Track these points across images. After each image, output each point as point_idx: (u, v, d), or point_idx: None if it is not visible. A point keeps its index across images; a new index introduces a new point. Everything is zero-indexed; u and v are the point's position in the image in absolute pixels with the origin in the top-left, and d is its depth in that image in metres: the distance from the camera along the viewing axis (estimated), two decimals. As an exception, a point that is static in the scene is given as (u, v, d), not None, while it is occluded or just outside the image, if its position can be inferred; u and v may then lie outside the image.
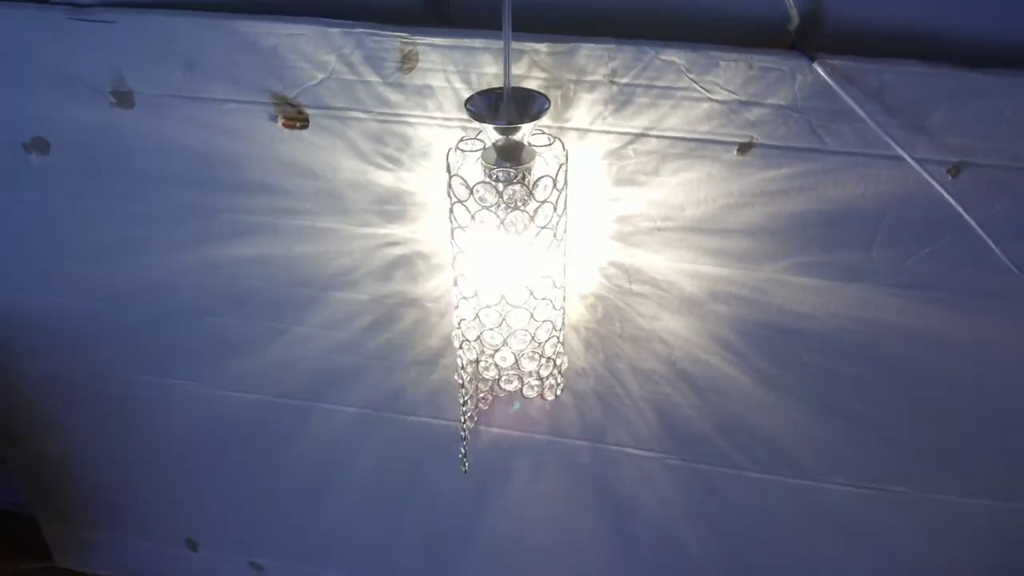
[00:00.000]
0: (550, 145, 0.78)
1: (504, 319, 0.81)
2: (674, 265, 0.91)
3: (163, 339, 1.14)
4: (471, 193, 0.74)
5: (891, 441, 1.01)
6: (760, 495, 1.11)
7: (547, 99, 0.74)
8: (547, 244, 0.78)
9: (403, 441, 1.18)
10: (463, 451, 0.97)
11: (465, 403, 0.92)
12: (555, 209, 0.76)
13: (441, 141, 0.87)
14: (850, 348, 0.93)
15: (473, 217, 0.75)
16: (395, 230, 0.96)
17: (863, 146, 0.80)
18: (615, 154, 0.85)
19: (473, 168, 0.77)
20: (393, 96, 0.85)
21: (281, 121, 0.89)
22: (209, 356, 1.15)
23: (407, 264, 0.98)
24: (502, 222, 0.74)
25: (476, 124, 0.83)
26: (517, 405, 0.95)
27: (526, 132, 0.75)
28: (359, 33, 0.82)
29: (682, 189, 0.86)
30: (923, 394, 0.96)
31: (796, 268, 0.89)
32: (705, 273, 0.91)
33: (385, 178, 0.92)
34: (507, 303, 0.80)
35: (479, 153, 0.77)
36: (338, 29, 0.82)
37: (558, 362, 0.88)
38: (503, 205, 0.74)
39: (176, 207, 0.99)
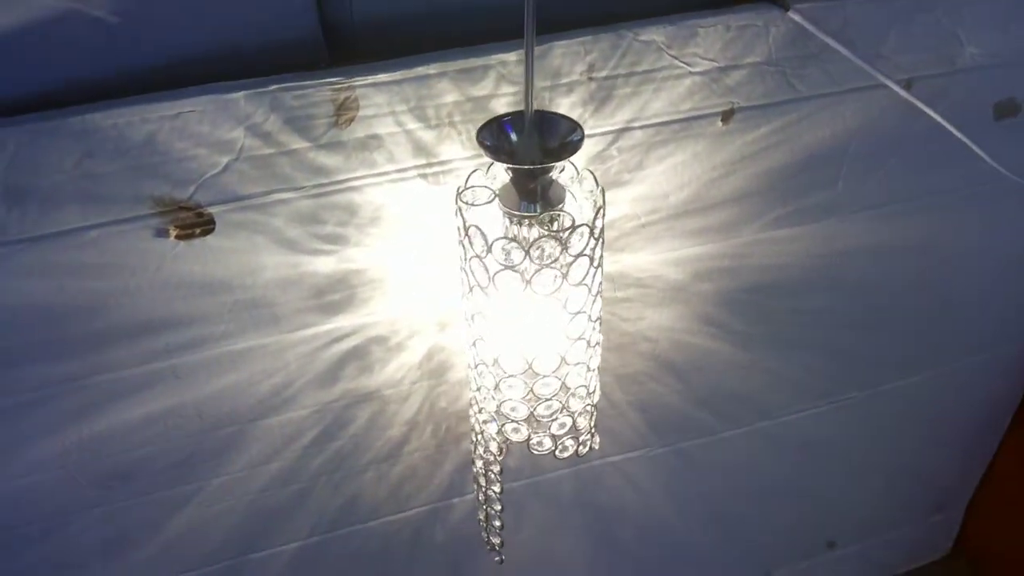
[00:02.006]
0: (562, 171, 0.65)
1: (563, 382, 0.67)
2: (658, 258, 0.83)
3: (25, 564, 0.81)
4: (527, 254, 0.59)
5: (840, 357, 1.05)
6: (733, 450, 1.10)
7: (577, 125, 0.60)
8: (599, 284, 0.65)
9: (361, 551, 0.99)
10: (500, 541, 0.82)
11: (502, 491, 0.77)
12: (602, 244, 0.64)
13: (395, 200, 0.70)
14: (819, 282, 0.94)
15: (528, 281, 0.60)
16: (342, 322, 0.76)
17: (830, 85, 0.77)
18: (598, 158, 0.74)
19: (484, 217, 0.62)
20: (330, 160, 0.65)
21: (174, 233, 0.65)
22: (95, 559, 0.85)
23: (359, 356, 0.79)
24: (565, 276, 0.61)
25: (439, 164, 0.68)
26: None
27: (556, 173, 0.61)
28: (273, 91, 0.61)
29: (666, 176, 0.77)
30: (872, 303, 1.00)
31: (771, 223, 0.86)
32: (688, 256, 0.85)
33: (324, 264, 0.71)
34: (566, 363, 0.66)
35: (482, 195, 0.62)
36: (243, 93, 0.60)
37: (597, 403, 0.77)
38: (566, 255, 0.60)
39: (24, 390, 0.69)
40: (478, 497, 0.81)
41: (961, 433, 1.25)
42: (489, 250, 0.59)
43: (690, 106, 0.73)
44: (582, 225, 0.59)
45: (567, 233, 0.59)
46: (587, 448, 0.76)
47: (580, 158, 0.72)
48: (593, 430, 0.77)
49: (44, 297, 0.64)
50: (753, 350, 0.98)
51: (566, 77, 0.68)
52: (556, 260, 0.59)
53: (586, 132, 0.71)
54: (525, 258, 0.59)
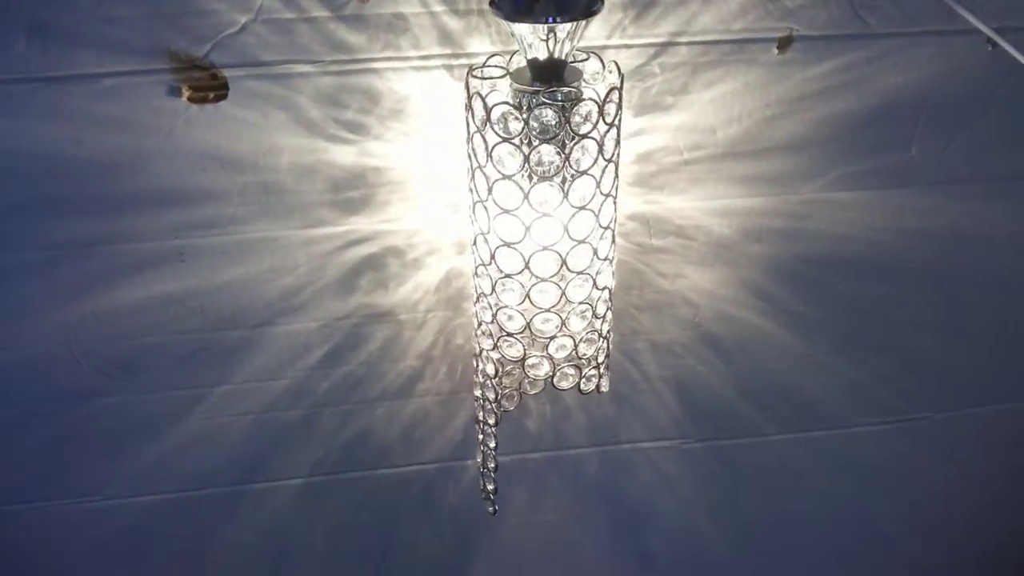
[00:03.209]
0: (584, 62, 0.61)
1: (564, 293, 0.62)
2: (702, 204, 0.77)
3: (16, 449, 0.81)
4: (526, 124, 0.55)
5: (917, 365, 0.94)
6: (783, 459, 0.99)
7: (597, -5, 0.56)
8: (611, 184, 0.60)
9: (368, 502, 0.94)
10: (493, 485, 0.76)
11: (496, 423, 0.72)
12: (618, 138, 0.59)
13: (419, 90, 0.67)
14: (884, 265, 0.84)
15: (528, 158, 0.56)
16: (359, 224, 0.73)
17: (905, 23, 0.70)
18: (637, 73, 0.69)
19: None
20: (351, 36, 0.64)
21: (187, 94, 0.64)
22: (95, 457, 0.84)
23: (375, 267, 0.76)
24: (567, 158, 0.56)
25: (466, 56, 0.65)
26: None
27: (574, 43, 0.57)
28: (298, -51, 0.60)
29: (714, 106, 0.72)
30: (952, 303, 0.89)
31: (834, 183, 0.78)
32: (737, 208, 0.78)
33: (344, 154, 0.69)
34: (568, 270, 0.61)
35: (496, 73, 0.59)
36: (266, -53, 0.60)
37: (610, 343, 0.71)
38: (571, 135, 0.55)
39: (32, 248, 0.70)
40: (477, 436, 0.76)
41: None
42: (488, 119, 0.55)
43: (742, 26, 0.68)
44: (587, 99, 0.55)
45: (571, 105, 0.54)
46: (592, 386, 0.70)
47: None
48: (603, 369, 0.71)
49: (60, 146, 0.65)
50: (809, 338, 0.89)
51: (606, -26, 0.64)
52: (557, 136, 0.55)
53: (624, 42, 0.68)
54: (524, 128, 0.55)
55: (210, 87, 0.64)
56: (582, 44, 0.66)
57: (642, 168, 0.74)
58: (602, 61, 0.61)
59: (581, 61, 0.61)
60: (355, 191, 0.71)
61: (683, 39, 0.68)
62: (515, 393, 0.73)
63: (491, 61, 0.61)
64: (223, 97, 0.65)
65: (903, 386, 0.95)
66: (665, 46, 0.68)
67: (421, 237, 0.75)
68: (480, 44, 0.66)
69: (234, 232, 0.72)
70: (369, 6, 0.63)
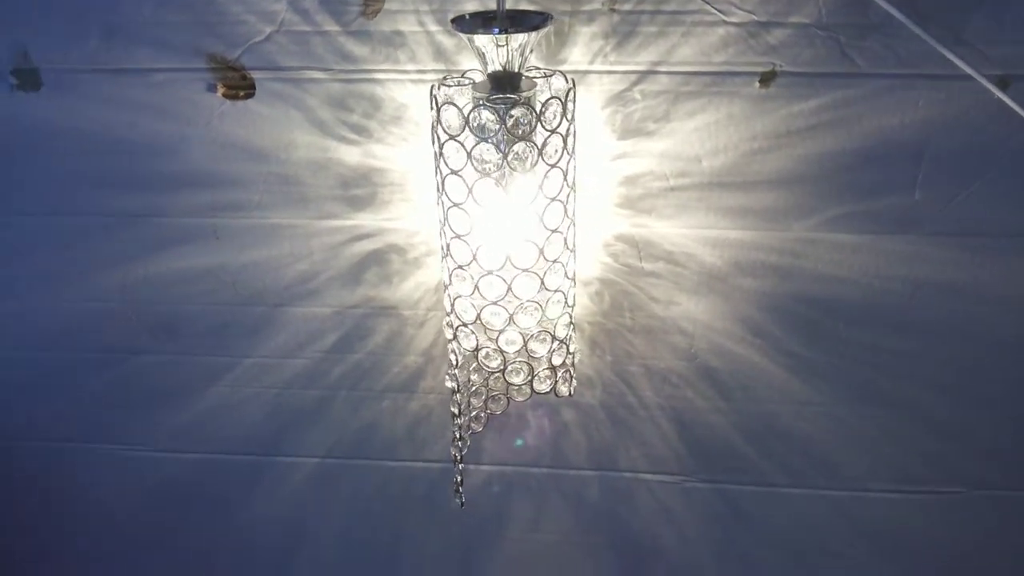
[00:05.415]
0: (549, 77, 0.67)
1: (510, 288, 0.66)
2: (691, 232, 0.79)
3: (80, 392, 0.95)
4: (467, 122, 0.61)
5: (938, 430, 0.89)
6: (795, 514, 0.96)
7: (548, 14, 0.62)
8: (558, 188, 0.65)
9: (380, 492, 1.00)
10: (457, 479, 0.80)
11: (459, 414, 0.76)
12: (565, 145, 0.64)
13: (416, 100, 0.75)
14: (890, 316, 0.82)
15: (470, 154, 0.62)
16: (364, 220, 0.81)
17: (898, 65, 0.70)
18: (619, 98, 0.73)
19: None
20: (357, 48, 0.73)
21: (221, 90, 0.75)
22: (138, 408, 0.95)
23: (379, 262, 0.84)
24: (506, 156, 0.61)
25: (458, 71, 0.72)
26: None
27: (524, 56, 0.63)
28: (313, -28, 0.70)
29: (698, 136, 0.75)
30: (972, 365, 0.84)
31: (830, 223, 0.78)
32: (728, 239, 0.79)
33: (350, 153, 0.78)
34: (512, 265, 0.66)
35: (466, 90, 0.65)
36: (289, -32, 0.70)
37: (571, 348, 0.74)
38: (508, 136, 0.61)
39: (95, 215, 0.83)
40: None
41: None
42: (438, 119, 0.62)
43: (724, 59, 0.71)
44: (524, 104, 0.60)
45: (507, 107, 0.60)
46: (548, 387, 0.73)
47: (597, 95, 0.73)
48: (565, 374, 0.74)
49: (116, 129, 0.78)
50: (816, 385, 0.87)
51: (587, 3, 0.70)
52: (495, 134, 0.61)
53: (607, 68, 0.73)
54: (464, 128, 0.61)
55: (240, 86, 0.75)
56: (567, 68, 0.72)
57: (629, 191, 0.78)
58: (565, 77, 0.66)
59: (546, 76, 0.66)
60: (361, 189, 0.79)
61: (663, 68, 0.72)
62: (483, 412, 0.77)
63: (467, 75, 0.68)
64: (251, 96, 0.75)
65: (929, 452, 0.90)
66: (645, 74, 0.72)
67: (420, 238, 0.82)
68: (470, 61, 0.73)
69: (259, 216, 0.82)
70: (373, 23, 0.71)
